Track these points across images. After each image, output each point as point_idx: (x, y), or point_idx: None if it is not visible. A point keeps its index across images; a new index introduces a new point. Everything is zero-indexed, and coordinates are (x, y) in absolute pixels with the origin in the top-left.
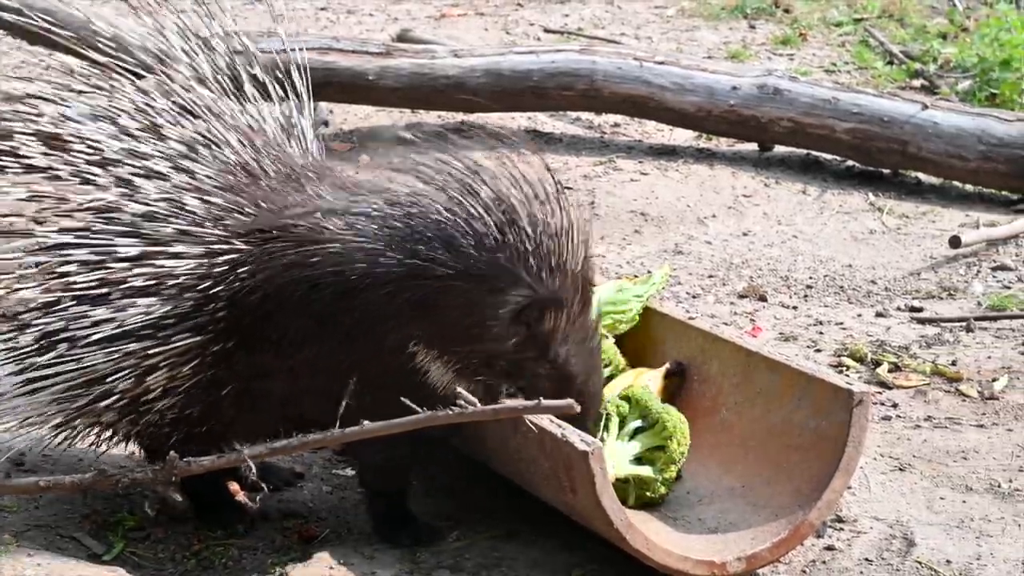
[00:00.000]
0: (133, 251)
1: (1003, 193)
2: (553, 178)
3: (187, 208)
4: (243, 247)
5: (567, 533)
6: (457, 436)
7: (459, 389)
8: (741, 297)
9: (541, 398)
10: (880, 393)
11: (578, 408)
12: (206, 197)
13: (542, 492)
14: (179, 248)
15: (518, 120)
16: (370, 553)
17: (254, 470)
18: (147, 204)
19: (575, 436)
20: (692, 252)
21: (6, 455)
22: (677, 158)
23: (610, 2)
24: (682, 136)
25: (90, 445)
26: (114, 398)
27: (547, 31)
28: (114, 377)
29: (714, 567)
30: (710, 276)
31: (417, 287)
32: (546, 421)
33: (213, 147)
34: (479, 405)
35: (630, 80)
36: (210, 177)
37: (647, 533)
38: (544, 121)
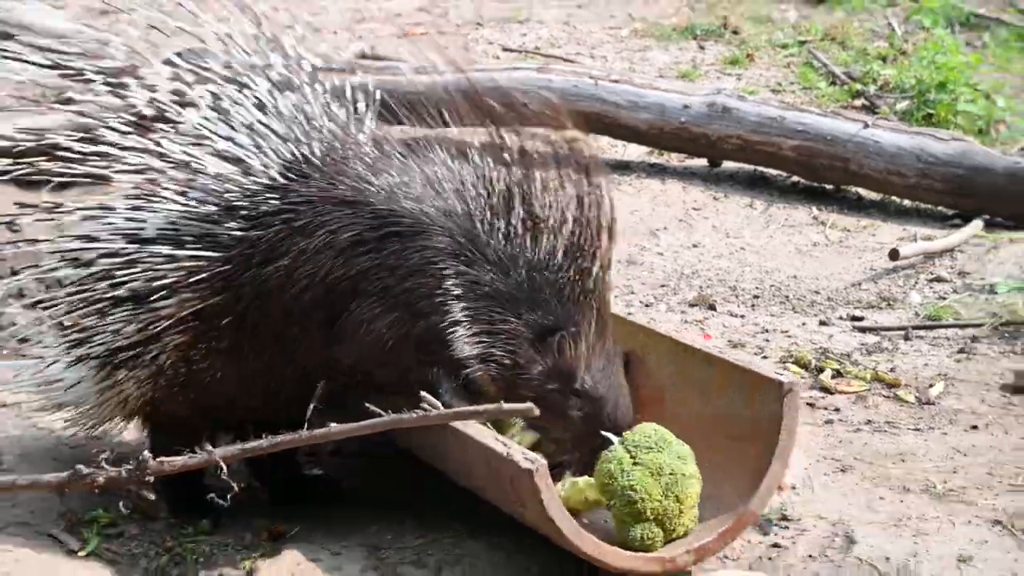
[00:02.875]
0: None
1: (939, 209)
2: (611, 203)
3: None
4: (276, 176)
5: (528, 531)
6: (421, 452)
7: (423, 393)
8: (692, 306)
9: (502, 402)
10: (823, 398)
11: (536, 411)
12: (256, 136)
13: (498, 503)
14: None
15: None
16: (336, 549)
17: (225, 470)
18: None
19: (518, 454)
20: (645, 263)
21: None
22: (630, 173)
23: (566, 23)
24: (635, 152)
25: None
26: (125, 317)
27: (506, 50)
28: (129, 287)
29: (664, 562)
30: (662, 286)
31: (462, 262)
32: (491, 439)
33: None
34: (442, 408)
35: (585, 97)
36: (265, 121)
37: (596, 537)
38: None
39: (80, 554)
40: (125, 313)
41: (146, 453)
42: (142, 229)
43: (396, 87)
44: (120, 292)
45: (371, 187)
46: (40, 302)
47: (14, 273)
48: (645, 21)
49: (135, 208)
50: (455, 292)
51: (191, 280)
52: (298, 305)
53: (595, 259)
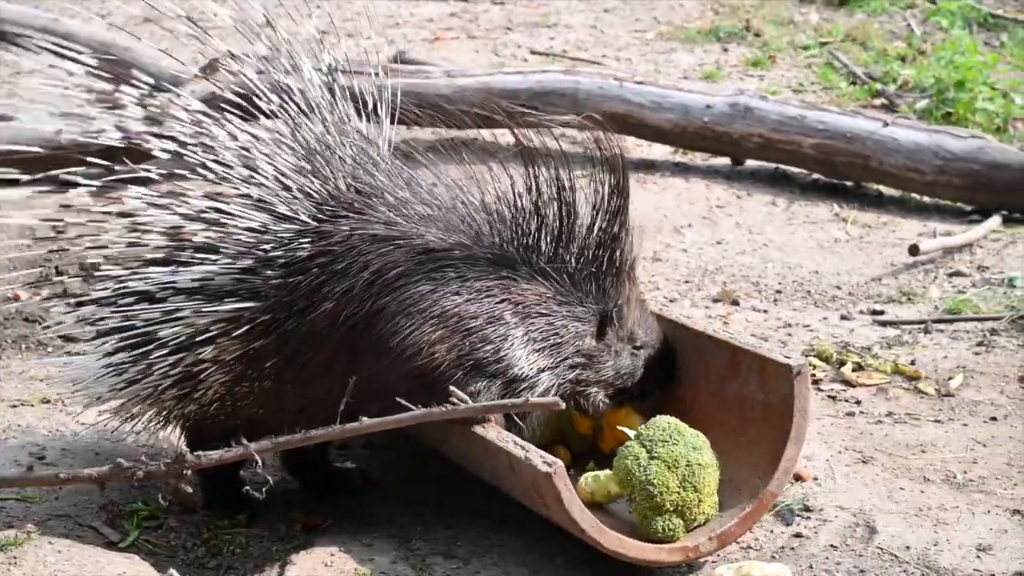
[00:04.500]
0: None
1: (957, 205)
2: (622, 190)
3: (265, 182)
4: (308, 220)
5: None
6: (449, 453)
7: (451, 388)
8: (715, 301)
9: (528, 396)
10: (844, 391)
11: (563, 404)
12: (283, 178)
13: (525, 503)
14: (249, 212)
15: (507, 136)
16: (368, 541)
17: (260, 463)
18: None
19: (537, 458)
20: (669, 259)
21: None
22: (655, 172)
23: (593, 26)
24: (660, 151)
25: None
26: (170, 363)
27: (534, 53)
28: (172, 341)
29: (687, 551)
30: (686, 281)
31: (503, 286)
32: (510, 443)
33: (297, 131)
34: (470, 402)
35: (611, 99)
36: (289, 161)
37: (619, 532)
38: (531, 137)
39: (120, 545)
40: (169, 358)
41: (184, 447)
42: (176, 282)
43: (427, 90)
44: (161, 340)
45: (404, 220)
46: (83, 301)
47: (59, 272)
48: (670, 24)
49: (166, 263)
50: (511, 318)
51: (232, 331)
52: (347, 341)
53: (617, 238)
